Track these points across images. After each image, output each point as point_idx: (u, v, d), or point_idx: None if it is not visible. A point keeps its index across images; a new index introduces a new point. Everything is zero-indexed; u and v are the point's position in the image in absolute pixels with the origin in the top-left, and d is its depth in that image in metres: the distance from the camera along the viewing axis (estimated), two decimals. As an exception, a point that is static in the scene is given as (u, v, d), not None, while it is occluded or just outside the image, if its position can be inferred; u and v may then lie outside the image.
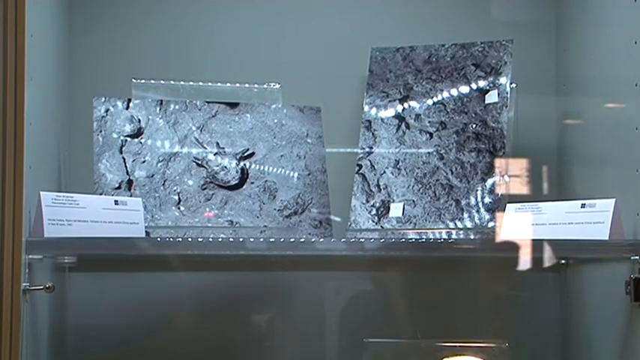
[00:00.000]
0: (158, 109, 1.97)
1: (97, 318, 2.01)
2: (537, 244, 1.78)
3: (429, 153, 1.99)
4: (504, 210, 1.88)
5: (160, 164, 1.94)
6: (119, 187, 1.91)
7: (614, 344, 1.78)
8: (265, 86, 2.04)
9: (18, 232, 1.57)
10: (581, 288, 2.00)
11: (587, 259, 1.95)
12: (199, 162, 1.96)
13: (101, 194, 1.87)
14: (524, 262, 1.92)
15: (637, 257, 1.70)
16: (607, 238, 1.72)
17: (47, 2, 1.83)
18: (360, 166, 2.02)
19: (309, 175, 1.99)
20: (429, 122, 2.01)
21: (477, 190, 1.93)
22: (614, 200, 1.73)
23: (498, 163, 1.93)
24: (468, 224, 1.91)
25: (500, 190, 1.92)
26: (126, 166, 1.92)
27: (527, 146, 2.05)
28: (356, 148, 2.03)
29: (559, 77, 2.12)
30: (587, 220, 1.76)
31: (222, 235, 1.89)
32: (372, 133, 2.04)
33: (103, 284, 2.03)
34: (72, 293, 2.01)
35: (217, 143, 1.97)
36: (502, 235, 1.84)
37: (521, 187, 2.04)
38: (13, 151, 1.58)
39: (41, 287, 1.65)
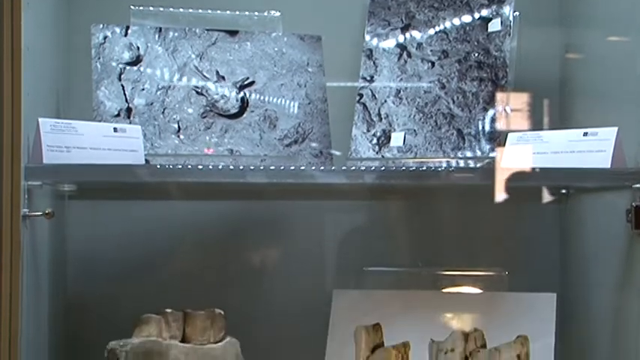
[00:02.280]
0: (157, 36, 1.95)
1: (97, 246, 2.02)
2: (538, 173, 1.77)
3: (430, 82, 1.97)
4: (505, 140, 1.87)
5: (159, 92, 1.93)
6: (118, 115, 1.90)
7: (614, 273, 1.79)
8: (265, 14, 2.02)
9: (17, 158, 1.56)
10: (581, 217, 2.00)
11: (589, 188, 1.95)
12: (199, 90, 1.94)
13: (100, 122, 1.86)
14: (525, 191, 1.92)
15: (638, 185, 1.70)
16: (609, 166, 1.71)
17: None
18: (361, 96, 2.01)
19: (309, 104, 1.98)
20: (431, 51, 1.99)
21: (478, 120, 1.92)
22: (616, 129, 1.72)
23: (500, 92, 1.92)
24: (469, 154, 1.91)
25: (501, 120, 1.91)
26: (125, 94, 1.91)
27: (529, 77, 2.03)
28: (356, 77, 2.01)
29: (562, 7, 2.10)
30: (588, 148, 1.75)
31: (222, 163, 1.88)
32: (374, 62, 2.02)
33: (103, 212, 2.03)
34: (71, 221, 2.01)
35: (217, 71, 1.96)
36: (503, 164, 1.83)
37: (522, 118, 2.03)
38: (11, 76, 1.57)
39: (41, 213, 1.65)
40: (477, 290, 2.01)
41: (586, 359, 1.93)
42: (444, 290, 2.00)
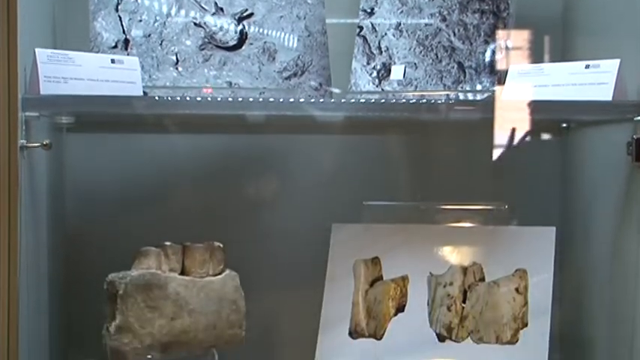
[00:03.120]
0: (154, -34, 1.93)
1: (95, 179, 2.01)
2: (539, 106, 1.76)
3: (431, 14, 1.95)
4: (506, 73, 1.85)
5: (156, 24, 1.90)
6: (115, 47, 1.88)
7: (613, 205, 1.78)
8: (264, -55, 1.99)
9: (13, 89, 1.55)
10: (582, 151, 1.99)
11: (589, 121, 1.94)
12: (197, 22, 1.92)
13: (97, 53, 1.84)
14: (526, 124, 1.91)
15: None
16: (610, 99, 1.70)
17: None
18: (361, 28, 1.98)
19: (308, 36, 1.96)
20: (432, -18, 1.97)
21: (479, 53, 1.90)
22: (618, 61, 1.70)
23: (502, 25, 1.90)
24: (469, 87, 1.89)
25: (502, 54, 1.89)
26: (122, 25, 1.89)
27: (531, 9, 2.01)
28: (356, 12, 1.99)
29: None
30: (590, 81, 1.74)
31: (220, 96, 1.87)
32: (374, -6, 2.00)
33: (101, 145, 2.02)
34: (70, 154, 2.00)
35: (215, 3, 1.93)
36: (503, 97, 1.82)
37: (523, 52, 2.01)
38: (7, 6, 1.54)
39: (38, 144, 1.64)
40: (476, 224, 2.01)
41: (585, 293, 1.93)
42: (443, 224, 2.00)
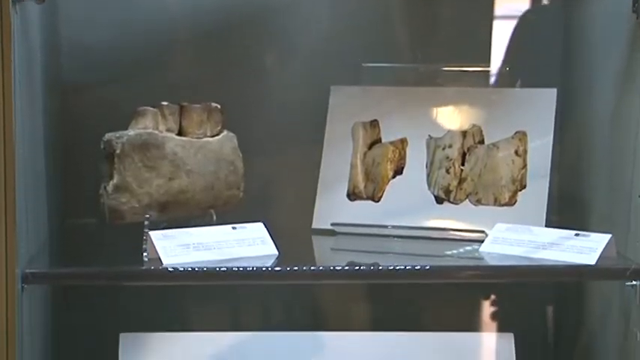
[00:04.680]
0: None
1: (92, 35, 1.96)
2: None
3: None
4: None
5: None
6: None
7: (616, 65, 1.76)
8: None
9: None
10: (585, 9, 1.94)
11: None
12: None
13: None
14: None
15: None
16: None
17: None
18: None
19: None
20: None
21: None
22: None
23: None
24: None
25: None
26: None
27: None
28: None
29: None
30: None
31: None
32: None
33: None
34: (65, 7, 1.94)
35: None
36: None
37: None
38: None
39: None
40: (476, 86, 1.99)
41: (584, 156, 1.93)
42: (443, 86, 1.98)
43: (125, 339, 1.86)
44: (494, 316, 2.06)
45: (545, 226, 1.77)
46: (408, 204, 1.90)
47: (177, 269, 1.58)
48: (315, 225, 1.92)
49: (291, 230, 1.92)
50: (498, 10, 1.98)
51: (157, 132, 1.74)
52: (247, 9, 2.01)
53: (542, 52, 2.03)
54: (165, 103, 1.77)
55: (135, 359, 1.84)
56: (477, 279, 1.80)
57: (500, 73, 1.97)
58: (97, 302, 1.99)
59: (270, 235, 1.71)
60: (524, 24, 2.02)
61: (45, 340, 1.84)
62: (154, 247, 1.61)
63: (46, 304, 1.86)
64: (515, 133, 1.87)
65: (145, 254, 1.62)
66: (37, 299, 1.72)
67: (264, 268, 1.63)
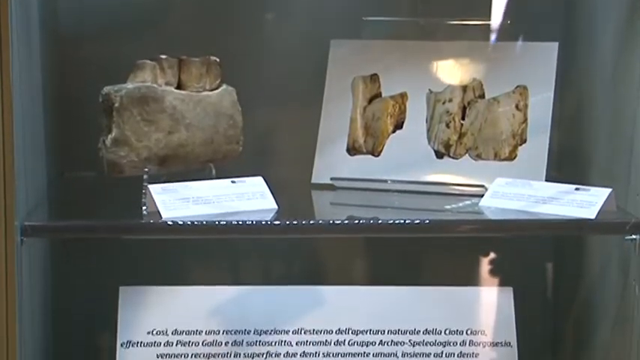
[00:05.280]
0: None
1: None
2: None
3: None
4: None
5: None
6: None
7: (618, 19, 1.74)
8: None
9: None
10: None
11: None
12: None
13: None
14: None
15: None
16: None
17: None
18: None
19: None
20: None
21: None
22: None
23: None
24: None
25: None
26: None
27: None
28: None
29: None
30: None
31: None
32: None
33: None
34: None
35: None
36: None
37: None
38: None
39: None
40: (477, 40, 1.98)
41: (585, 110, 1.92)
42: (443, 40, 1.96)
43: (125, 292, 1.86)
44: (493, 271, 2.07)
45: (545, 181, 1.77)
46: (407, 158, 1.89)
47: (177, 223, 1.58)
48: (314, 180, 1.92)
49: (291, 185, 1.91)
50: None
51: (155, 86, 1.73)
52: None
53: (543, 6, 2.02)
54: (163, 56, 1.76)
55: (134, 313, 1.85)
56: (476, 233, 1.80)
57: (502, 26, 1.96)
58: (96, 256, 2.00)
59: (269, 189, 1.70)
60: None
61: (45, 293, 1.84)
62: (153, 200, 1.61)
63: (46, 257, 1.86)
64: (516, 87, 1.86)
65: (144, 208, 1.62)
66: (36, 253, 1.73)
67: (263, 222, 1.63)
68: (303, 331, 1.86)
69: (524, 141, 1.84)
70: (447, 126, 1.88)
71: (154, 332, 1.84)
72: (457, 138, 1.87)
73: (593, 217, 1.61)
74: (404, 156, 1.90)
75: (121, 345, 1.83)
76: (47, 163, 1.80)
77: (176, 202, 1.62)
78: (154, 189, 1.62)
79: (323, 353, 1.85)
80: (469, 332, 1.87)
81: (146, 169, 1.69)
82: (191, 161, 1.77)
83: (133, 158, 1.70)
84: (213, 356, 1.83)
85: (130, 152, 1.69)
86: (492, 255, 2.07)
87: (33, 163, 1.66)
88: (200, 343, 1.84)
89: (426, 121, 1.90)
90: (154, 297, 1.87)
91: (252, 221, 1.61)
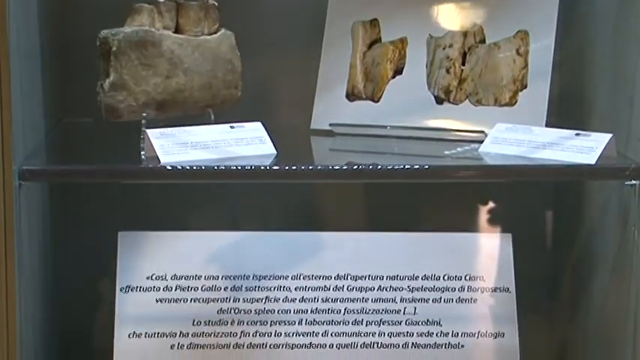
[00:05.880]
0: None
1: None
2: None
3: None
4: None
5: None
6: None
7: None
8: None
9: None
10: None
11: None
12: None
13: None
14: None
15: None
16: None
17: None
18: None
19: None
20: None
21: None
22: None
23: None
24: None
25: None
26: None
27: None
28: None
29: None
30: None
31: None
32: None
33: None
34: None
35: None
36: None
37: None
38: None
39: None
40: None
41: (585, 56, 1.91)
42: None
43: (124, 237, 1.86)
44: (493, 217, 2.06)
45: (546, 126, 1.76)
46: (407, 104, 1.88)
47: (175, 167, 1.58)
48: (313, 125, 1.91)
49: (290, 130, 1.91)
50: None
51: (153, 29, 1.72)
52: None
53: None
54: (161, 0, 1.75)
55: (133, 258, 1.85)
56: (476, 178, 1.79)
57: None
58: (95, 202, 2.00)
59: (268, 135, 1.70)
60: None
61: (43, 239, 1.84)
62: (152, 145, 1.60)
63: (44, 203, 1.86)
64: (517, 32, 1.85)
65: (142, 152, 1.62)
66: (35, 198, 1.72)
67: (262, 167, 1.62)
68: (301, 277, 1.86)
69: (525, 86, 1.83)
70: (447, 71, 1.87)
71: (153, 277, 1.85)
72: (457, 84, 1.86)
73: (593, 162, 1.60)
74: (404, 101, 1.88)
75: (121, 290, 1.84)
76: (45, 108, 1.79)
77: (175, 146, 1.61)
78: (153, 133, 1.61)
79: (322, 299, 1.85)
80: (468, 278, 1.87)
81: (144, 114, 1.69)
82: (189, 106, 1.77)
83: (131, 102, 1.69)
84: (212, 301, 1.84)
85: (128, 96, 1.69)
86: (492, 201, 2.07)
87: (31, 107, 1.65)
88: (199, 288, 1.84)
89: (426, 67, 1.89)
90: (153, 242, 1.87)
91: (251, 166, 1.61)
